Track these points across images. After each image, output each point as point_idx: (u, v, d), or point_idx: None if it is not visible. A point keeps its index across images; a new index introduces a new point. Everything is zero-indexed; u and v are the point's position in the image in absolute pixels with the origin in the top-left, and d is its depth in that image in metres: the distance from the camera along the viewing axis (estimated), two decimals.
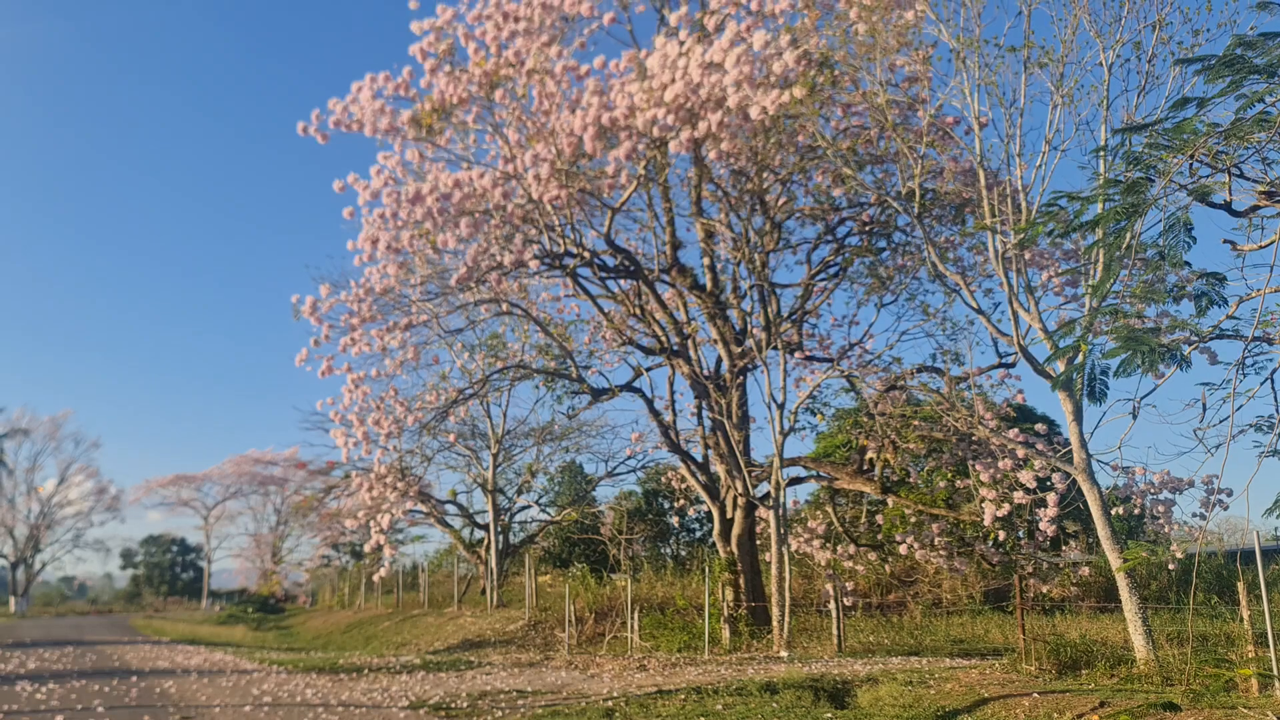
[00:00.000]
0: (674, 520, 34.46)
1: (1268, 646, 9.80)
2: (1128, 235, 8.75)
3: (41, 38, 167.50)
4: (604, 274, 20.31)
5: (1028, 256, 15.62)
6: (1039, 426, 19.76)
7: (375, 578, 30.01)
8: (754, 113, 15.40)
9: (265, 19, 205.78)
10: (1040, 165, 13.10)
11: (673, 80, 15.79)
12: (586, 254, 19.26)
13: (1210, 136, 7.38)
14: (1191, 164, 7.87)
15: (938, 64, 15.45)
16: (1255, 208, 8.52)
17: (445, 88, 17.86)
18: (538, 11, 18.04)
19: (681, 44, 16.11)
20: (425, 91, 18.21)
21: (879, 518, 22.08)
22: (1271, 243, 8.07)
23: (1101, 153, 10.40)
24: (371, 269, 19.11)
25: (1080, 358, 10.15)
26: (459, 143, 19.09)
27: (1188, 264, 8.09)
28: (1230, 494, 16.38)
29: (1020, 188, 13.17)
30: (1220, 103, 7.45)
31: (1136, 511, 16.93)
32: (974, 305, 14.43)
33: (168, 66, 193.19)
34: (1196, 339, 9.41)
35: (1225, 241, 8.68)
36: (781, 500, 18.81)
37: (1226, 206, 8.56)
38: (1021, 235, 12.32)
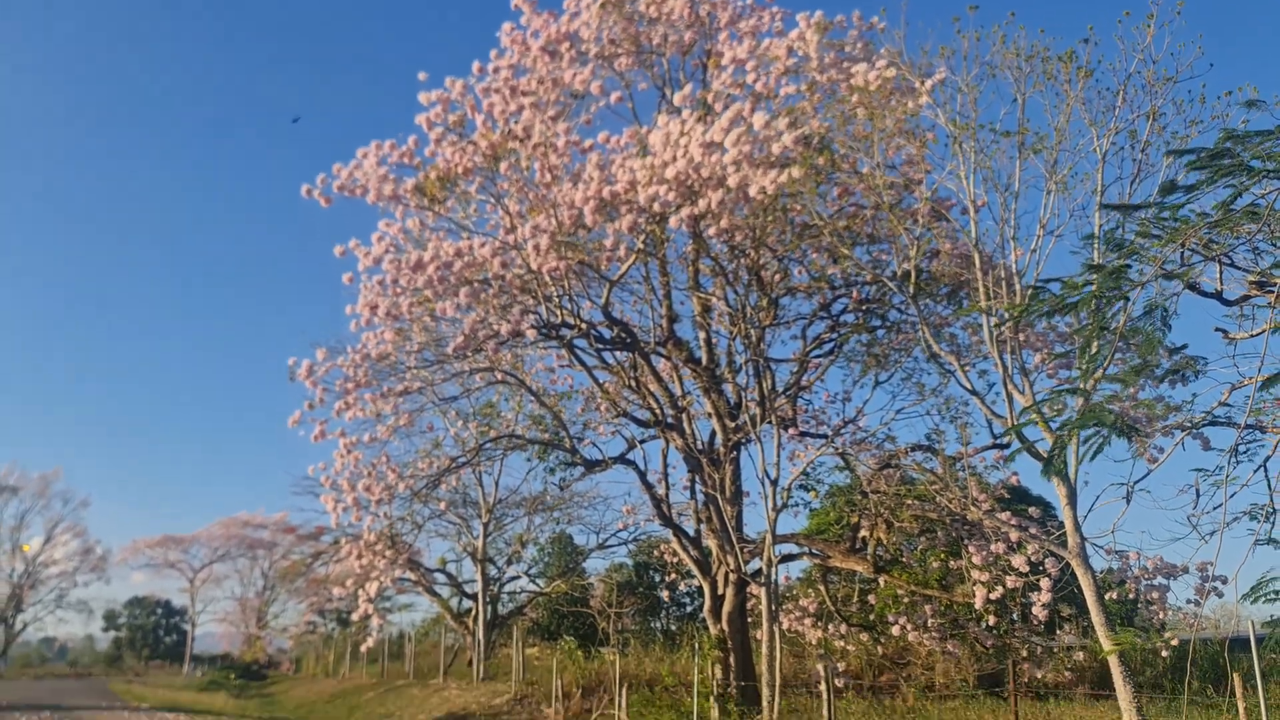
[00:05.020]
0: (664, 594, 34.07)
1: None
2: (1120, 318, 8.82)
3: (34, 112, 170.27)
4: (600, 346, 20.38)
5: (1022, 338, 15.71)
6: (1033, 510, 19.67)
7: (363, 648, 29.63)
8: (753, 192, 15.60)
9: (259, 95, 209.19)
10: (1035, 249, 13.24)
11: (674, 158, 16.01)
12: (583, 325, 19.35)
13: (1201, 226, 7.49)
14: (1183, 252, 7.98)
15: (933, 146, 15.71)
16: (1246, 297, 8.62)
17: (451, 157, 18.12)
18: (546, 87, 18.39)
19: (684, 123, 16.38)
20: (430, 160, 18.48)
21: (871, 597, 21.86)
22: (1263, 332, 8.14)
23: (1095, 240, 10.53)
24: (369, 334, 19.19)
25: (1071, 440, 10.15)
26: (460, 211, 19.32)
27: (1164, 346, 8.16)
28: (1225, 581, 16.28)
29: (1015, 271, 13.29)
30: (1209, 191, 7.58)
31: (1131, 596, 16.80)
32: (968, 386, 14.46)
33: (164, 143, 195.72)
34: (1190, 426, 9.44)
35: (1217, 330, 8.76)
36: (773, 577, 18.63)
37: (1218, 295, 8.66)
38: (1012, 318, 12.41)
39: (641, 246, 18.57)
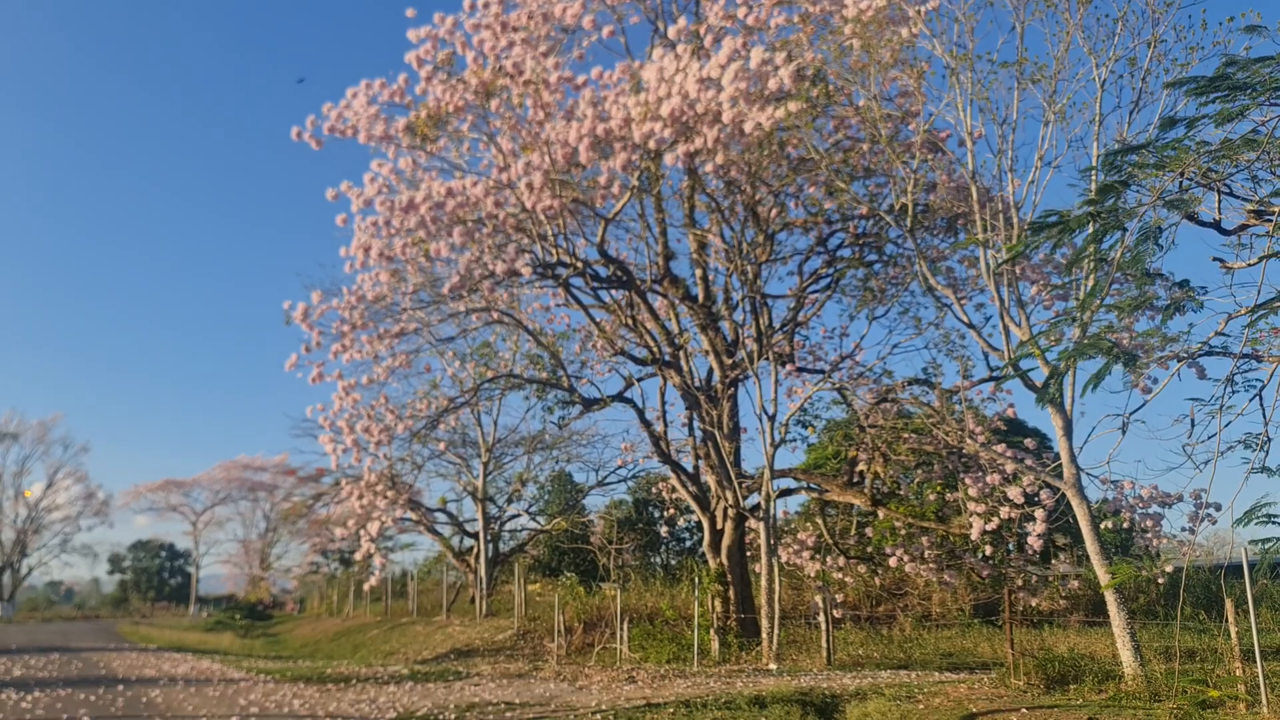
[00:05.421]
0: (664, 530, 34.38)
1: (1254, 663, 9.82)
2: (1117, 249, 8.78)
3: (39, 48, 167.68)
4: (596, 284, 20.32)
5: (1018, 270, 15.66)
6: (1028, 441, 19.80)
7: (366, 587, 29.95)
8: (749, 128, 15.43)
9: (258, 28, 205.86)
10: (1033, 181, 13.16)
11: (669, 94, 15.81)
12: (579, 264, 19.27)
13: (1200, 155, 7.42)
14: (1181, 181, 7.92)
15: (930, 78, 15.52)
16: (1244, 226, 8.57)
17: (442, 95, 17.87)
18: (536, 22, 18.08)
19: (678, 58, 16.14)
20: (420, 99, 18.22)
21: (869, 530, 22.09)
22: (1260, 260, 8.11)
23: (1092, 171, 10.44)
24: (364, 276, 19.13)
25: (1069, 370, 10.17)
26: (452, 150, 19.10)
27: (1160, 274, 8.14)
28: (1219, 508, 16.41)
29: (1013, 203, 13.22)
30: (1209, 122, 7.50)
31: (1126, 525, 16.97)
32: (965, 320, 14.46)
33: (164, 75, 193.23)
34: (1186, 356, 9.45)
35: (1214, 259, 8.72)
36: (772, 511, 18.81)
37: (1216, 225, 8.61)
38: (1012, 253, 12.37)
39: (636, 184, 18.42)
